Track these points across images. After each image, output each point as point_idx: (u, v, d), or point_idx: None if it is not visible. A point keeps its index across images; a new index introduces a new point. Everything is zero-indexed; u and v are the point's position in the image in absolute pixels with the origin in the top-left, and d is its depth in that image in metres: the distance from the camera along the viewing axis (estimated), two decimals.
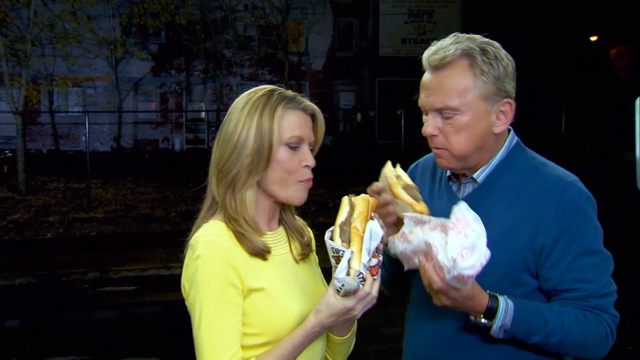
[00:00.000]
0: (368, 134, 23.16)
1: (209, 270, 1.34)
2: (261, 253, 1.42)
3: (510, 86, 1.54)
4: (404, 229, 1.43)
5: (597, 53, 21.27)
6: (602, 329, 1.48)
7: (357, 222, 1.36)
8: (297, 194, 1.46)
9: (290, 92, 1.47)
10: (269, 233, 1.49)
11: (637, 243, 8.72)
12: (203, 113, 22.97)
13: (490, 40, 1.58)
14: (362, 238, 1.33)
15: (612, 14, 19.72)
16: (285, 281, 1.45)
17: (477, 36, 1.58)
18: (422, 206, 1.49)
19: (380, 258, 1.38)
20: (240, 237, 1.40)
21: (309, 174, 1.46)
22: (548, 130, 16.46)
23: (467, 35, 1.57)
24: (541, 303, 1.50)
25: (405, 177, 1.55)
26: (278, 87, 1.48)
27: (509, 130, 1.64)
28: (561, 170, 1.57)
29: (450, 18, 22.75)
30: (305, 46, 24.49)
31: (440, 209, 1.64)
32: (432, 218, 1.41)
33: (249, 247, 1.40)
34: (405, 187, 1.52)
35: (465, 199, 1.59)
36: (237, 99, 1.48)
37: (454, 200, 1.61)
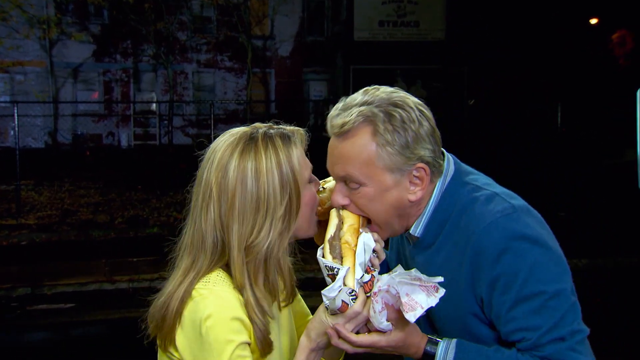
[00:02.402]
0: None
1: (223, 331, 1.37)
2: (267, 345, 1.44)
3: (426, 150, 1.53)
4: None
5: (597, 38, 21.74)
6: None
7: (347, 236, 1.41)
8: (316, 224, 1.56)
9: (276, 126, 1.53)
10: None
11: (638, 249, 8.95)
12: (154, 104, 22.74)
13: (404, 97, 1.55)
14: (354, 252, 1.38)
15: None
16: (274, 337, 1.50)
17: (389, 91, 1.56)
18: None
19: (375, 273, 1.42)
20: (254, 323, 1.42)
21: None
22: (542, 124, 16.76)
23: (378, 90, 1.56)
24: (495, 347, 1.51)
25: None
26: (258, 125, 1.52)
27: (442, 157, 1.61)
28: (491, 204, 1.53)
29: None
30: (270, 29, 24.46)
31: (405, 254, 1.73)
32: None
33: (257, 334, 1.42)
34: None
35: (414, 250, 1.65)
36: (225, 153, 1.46)
37: (409, 247, 1.69)
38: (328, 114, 1.57)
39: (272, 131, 1.50)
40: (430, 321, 1.64)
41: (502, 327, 1.50)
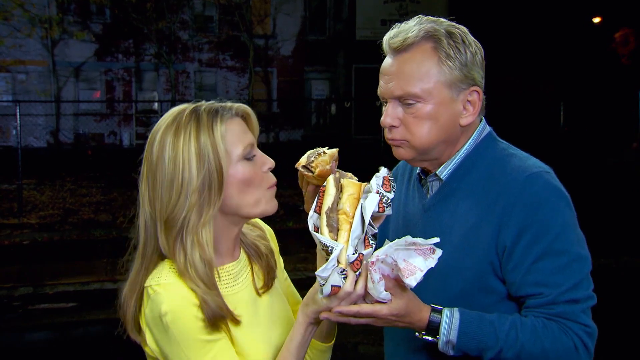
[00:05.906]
0: (343, 128, 23.24)
1: (184, 323, 1.38)
2: (220, 319, 1.42)
3: (479, 75, 1.60)
4: None
5: (600, 37, 21.70)
6: (568, 341, 1.46)
7: (346, 206, 1.36)
8: (271, 202, 1.52)
9: (214, 103, 1.51)
10: (232, 263, 1.54)
11: None
12: (156, 104, 22.74)
13: (458, 25, 1.62)
14: (351, 225, 1.34)
15: None
16: (248, 323, 1.49)
17: (443, 19, 1.63)
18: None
19: (368, 250, 1.36)
20: (200, 300, 1.41)
21: (274, 178, 1.53)
22: (544, 123, 16.74)
23: (432, 17, 1.62)
24: (496, 314, 1.50)
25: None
26: (199, 102, 1.51)
27: (480, 120, 1.68)
28: (530, 161, 1.60)
29: None
30: (272, 28, 24.45)
31: (412, 211, 1.72)
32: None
33: (207, 312, 1.40)
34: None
35: (432, 199, 1.66)
36: (157, 129, 1.47)
37: (423, 201, 1.69)
38: (383, 37, 1.63)
39: (203, 106, 1.47)
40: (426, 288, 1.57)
41: (518, 277, 1.50)
